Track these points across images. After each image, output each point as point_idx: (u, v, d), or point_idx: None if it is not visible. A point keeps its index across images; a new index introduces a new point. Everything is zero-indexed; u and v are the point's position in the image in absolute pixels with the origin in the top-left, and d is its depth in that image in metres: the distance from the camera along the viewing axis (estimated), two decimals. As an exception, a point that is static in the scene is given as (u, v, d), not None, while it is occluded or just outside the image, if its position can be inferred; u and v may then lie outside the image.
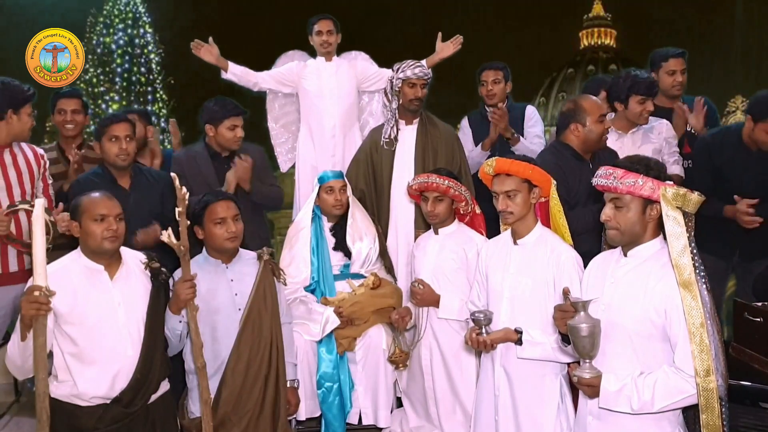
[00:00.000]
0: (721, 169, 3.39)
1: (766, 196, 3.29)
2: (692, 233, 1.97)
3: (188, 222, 2.33)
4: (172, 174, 2.37)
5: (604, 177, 2.07)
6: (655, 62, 3.83)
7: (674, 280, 1.97)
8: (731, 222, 3.35)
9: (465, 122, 4.21)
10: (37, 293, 2.06)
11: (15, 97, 3.06)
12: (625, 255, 2.13)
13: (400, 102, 3.69)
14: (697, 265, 1.94)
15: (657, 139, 3.60)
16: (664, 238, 2.09)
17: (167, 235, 2.26)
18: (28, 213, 2.97)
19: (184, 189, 2.29)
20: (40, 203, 2.10)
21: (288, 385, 2.79)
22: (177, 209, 2.28)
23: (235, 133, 3.48)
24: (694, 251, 1.95)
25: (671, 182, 2.02)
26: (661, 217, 2.01)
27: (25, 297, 2.09)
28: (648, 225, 2.07)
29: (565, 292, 2.09)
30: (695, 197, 1.97)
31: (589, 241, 2.70)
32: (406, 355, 3.13)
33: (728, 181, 3.34)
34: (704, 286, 1.93)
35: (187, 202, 2.31)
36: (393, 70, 3.71)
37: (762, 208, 3.29)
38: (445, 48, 4.04)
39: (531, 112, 4.13)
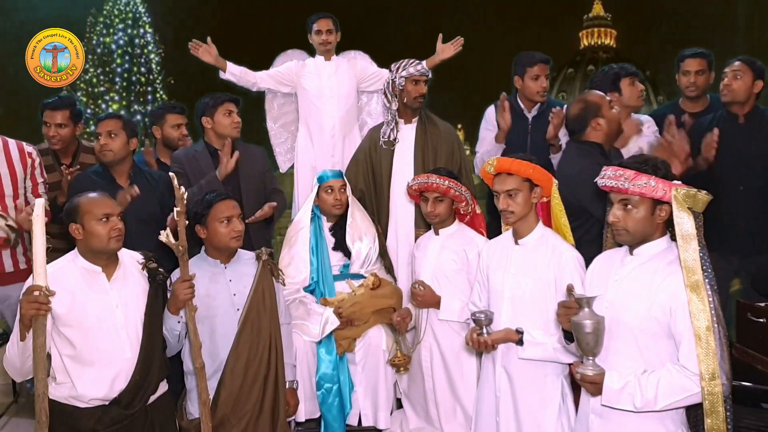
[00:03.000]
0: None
1: (755, 167, 3.29)
2: (702, 235, 1.95)
3: (187, 222, 2.32)
4: (171, 174, 2.36)
5: (613, 178, 2.04)
6: (676, 63, 3.81)
7: (679, 278, 1.96)
8: (732, 211, 3.33)
9: (491, 115, 3.88)
10: (36, 293, 2.04)
11: None
12: (631, 253, 2.12)
13: (404, 101, 3.67)
14: (705, 267, 1.93)
15: (648, 132, 3.58)
16: (671, 236, 2.08)
17: (165, 235, 2.25)
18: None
19: (183, 188, 2.28)
20: (40, 203, 2.08)
21: (287, 387, 2.77)
22: (176, 209, 2.27)
23: (232, 119, 3.47)
24: (704, 254, 1.94)
25: (679, 182, 2.00)
26: (669, 216, 2.00)
27: (24, 297, 2.08)
28: (657, 225, 2.06)
29: (569, 289, 2.08)
30: (703, 196, 1.96)
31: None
32: (407, 359, 3.12)
33: (720, 157, 3.30)
34: (711, 288, 1.92)
35: (185, 201, 2.30)
36: (392, 70, 3.69)
37: (762, 189, 3.29)
38: (446, 49, 4.01)
39: None
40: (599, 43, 65.83)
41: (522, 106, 3.85)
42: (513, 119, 3.74)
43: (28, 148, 3.27)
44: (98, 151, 3.15)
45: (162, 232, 2.26)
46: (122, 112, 14.57)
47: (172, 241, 2.26)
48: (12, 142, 3.20)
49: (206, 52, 3.98)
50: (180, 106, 3.96)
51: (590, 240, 2.80)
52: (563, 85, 63.39)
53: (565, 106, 3.73)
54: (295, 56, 4.23)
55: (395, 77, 3.66)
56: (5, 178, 3.10)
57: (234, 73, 4.05)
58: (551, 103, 3.89)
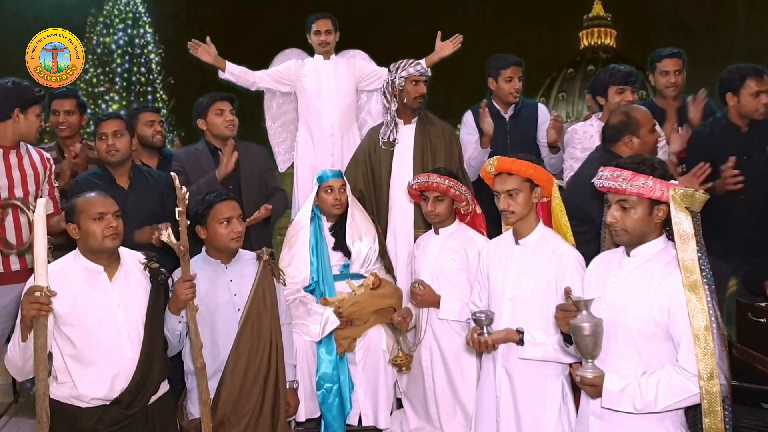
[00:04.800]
0: (714, 156, 3.36)
1: (760, 175, 3.27)
2: (701, 235, 1.96)
3: (188, 222, 2.32)
4: (172, 173, 2.36)
5: (610, 179, 2.05)
6: (651, 63, 3.80)
7: (678, 279, 1.96)
8: (733, 220, 3.33)
9: (470, 119, 3.97)
10: (38, 293, 2.04)
11: (23, 97, 3.06)
12: (628, 254, 2.12)
13: (404, 101, 3.67)
14: (703, 267, 1.93)
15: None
16: (667, 237, 2.08)
17: (167, 235, 2.26)
18: (18, 212, 2.98)
19: (184, 188, 2.28)
20: (41, 203, 2.08)
21: (287, 387, 2.78)
22: (177, 209, 2.26)
23: (223, 118, 3.48)
24: (702, 253, 1.94)
25: (676, 182, 2.01)
26: (666, 216, 2.00)
27: (25, 297, 2.08)
28: (654, 225, 2.06)
29: (567, 292, 2.08)
30: (700, 196, 1.96)
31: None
32: (409, 358, 3.11)
33: (722, 167, 3.31)
34: (709, 288, 1.92)
35: (187, 201, 2.29)
36: (391, 70, 3.69)
37: (764, 199, 3.28)
38: (445, 47, 4.00)
39: (544, 113, 3.99)
40: (599, 43, 65.77)
41: (498, 107, 3.90)
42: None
43: (46, 154, 3.34)
44: (105, 152, 3.16)
45: (163, 231, 2.26)
46: (122, 112, 14.57)
47: (173, 241, 2.26)
48: (31, 147, 3.28)
49: (205, 51, 3.98)
50: (153, 107, 3.99)
51: (589, 244, 2.79)
52: (563, 85, 63.36)
53: (540, 106, 3.88)
54: (294, 55, 4.22)
55: (394, 77, 3.65)
56: (30, 178, 3.16)
57: (233, 72, 4.05)
58: (526, 103, 3.93)
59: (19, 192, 3.11)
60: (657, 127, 3.15)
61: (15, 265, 3.14)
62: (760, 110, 3.32)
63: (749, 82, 3.29)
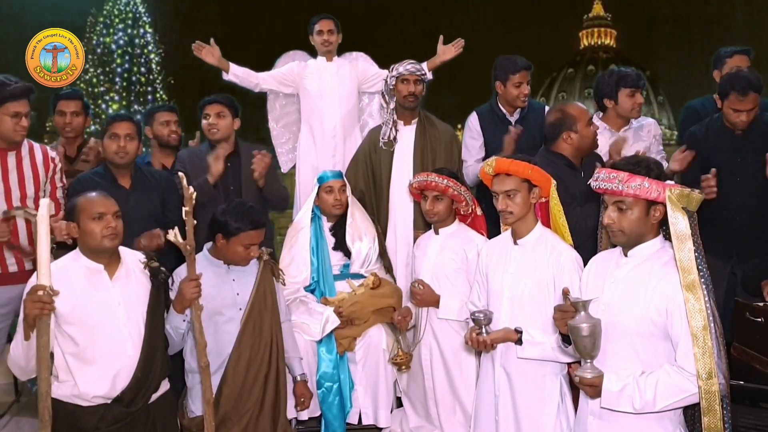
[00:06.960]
0: (709, 157, 3.38)
1: (754, 177, 3.29)
2: (697, 234, 1.96)
3: (195, 222, 2.33)
4: (180, 174, 2.37)
5: (606, 180, 2.04)
6: (719, 60, 3.83)
7: (675, 279, 1.97)
8: (729, 221, 3.35)
9: (475, 122, 3.83)
10: (40, 292, 2.04)
11: None
12: (626, 255, 2.13)
13: (397, 100, 3.69)
14: (701, 267, 1.94)
15: (647, 137, 3.60)
16: (664, 237, 2.09)
17: (174, 234, 2.27)
18: (26, 219, 2.97)
19: (191, 188, 2.29)
20: (45, 203, 2.09)
21: (298, 380, 2.84)
22: (184, 209, 2.27)
23: (208, 122, 3.51)
24: (699, 253, 1.95)
25: (672, 182, 2.02)
26: (663, 216, 2.01)
27: (28, 296, 2.08)
28: (651, 225, 2.07)
29: (565, 292, 2.09)
30: (697, 195, 1.97)
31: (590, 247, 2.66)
32: (409, 357, 3.13)
33: (717, 169, 3.30)
34: (706, 287, 1.93)
35: (194, 201, 2.30)
36: (388, 71, 3.73)
37: (760, 201, 3.29)
38: (447, 51, 4.04)
39: None
40: (599, 43, 65.68)
41: (504, 111, 3.80)
42: (496, 124, 3.76)
43: (52, 153, 3.31)
44: (114, 152, 3.14)
45: (170, 231, 2.28)
46: (122, 112, 14.60)
47: (180, 240, 2.28)
48: (37, 146, 3.25)
49: (209, 53, 4.00)
50: (170, 106, 4.01)
51: None
52: (563, 85, 63.31)
53: (547, 108, 3.77)
54: (297, 57, 4.25)
55: (388, 78, 3.70)
56: (28, 181, 3.15)
57: (237, 74, 4.07)
58: (533, 107, 3.87)
59: (16, 195, 3.09)
60: (595, 119, 3.13)
61: (13, 266, 3.15)
62: (738, 125, 3.33)
63: (732, 96, 3.28)
